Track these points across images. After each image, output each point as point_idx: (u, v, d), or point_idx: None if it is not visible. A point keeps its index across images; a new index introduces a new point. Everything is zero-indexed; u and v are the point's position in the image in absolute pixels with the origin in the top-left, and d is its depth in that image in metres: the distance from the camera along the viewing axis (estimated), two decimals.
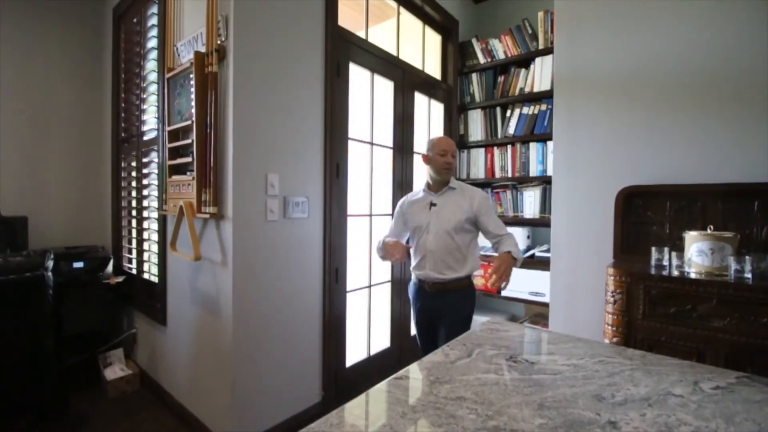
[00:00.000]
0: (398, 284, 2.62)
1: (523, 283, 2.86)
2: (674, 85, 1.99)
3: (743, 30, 1.82)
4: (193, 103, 1.70)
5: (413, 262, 1.83)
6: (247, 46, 1.67)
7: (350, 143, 2.21)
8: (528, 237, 2.95)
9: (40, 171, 2.65)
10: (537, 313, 2.89)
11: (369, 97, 2.38)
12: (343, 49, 2.15)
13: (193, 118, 1.70)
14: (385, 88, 2.51)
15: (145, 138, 2.40)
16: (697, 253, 1.67)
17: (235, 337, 1.66)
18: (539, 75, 2.80)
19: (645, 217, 2.06)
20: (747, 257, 1.57)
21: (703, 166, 1.92)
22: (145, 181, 2.40)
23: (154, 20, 2.26)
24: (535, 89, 2.81)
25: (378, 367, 2.43)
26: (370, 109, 2.39)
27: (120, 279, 2.45)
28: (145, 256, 2.40)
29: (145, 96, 2.39)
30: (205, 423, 1.83)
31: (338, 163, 2.11)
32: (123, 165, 2.67)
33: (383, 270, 2.53)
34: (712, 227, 1.72)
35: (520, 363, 0.89)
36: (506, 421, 0.65)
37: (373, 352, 2.42)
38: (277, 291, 1.82)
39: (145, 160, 2.38)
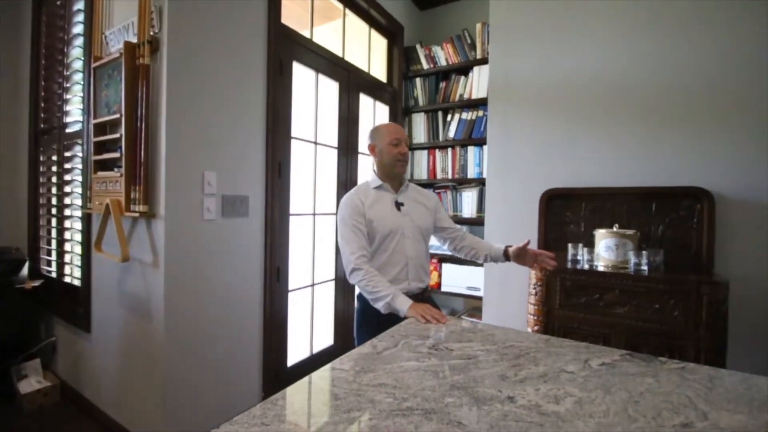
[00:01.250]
0: (342, 282, 2.65)
1: (460, 279, 3.03)
2: (590, 98, 2.22)
3: (645, 51, 2.07)
4: (123, 95, 1.61)
5: (388, 273, 1.46)
6: (182, 39, 1.62)
7: (294, 142, 2.20)
8: None
9: None
10: (474, 306, 3.06)
11: (314, 96, 2.39)
12: (287, 48, 2.14)
13: (122, 112, 1.61)
14: (330, 88, 2.53)
15: (68, 130, 2.22)
16: (604, 249, 1.88)
17: (168, 340, 1.60)
18: (477, 83, 2.97)
19: (564, 216, 2.28)
20: (644, 252, 1.80)
21: (614, 172, 2.16)
22: (67, 177, 2.22)
23: (80, 5, 2.10)
24: (473, 96, 2.97)
25: (321, 365, 2.45)
26: (315, 109, 2.40)
27: (37, 283, 2.24)
28: (67, 257, 2.22)
29: (68, 85, 2.22)
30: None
31: (280, 162, 2.11)
32: (42, 159, 2.44)
33: (327, 268, 2.56)
34: (617, 225, 1.95)
35: (441, 350, 0.97)
36: (419, 402, 0.71)
37: (315, 350, 2.44)
38: (214, 292, 1.78)
39: (67, 154, 2.21)
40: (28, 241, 2.50)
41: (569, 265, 1.96)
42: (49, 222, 2.42)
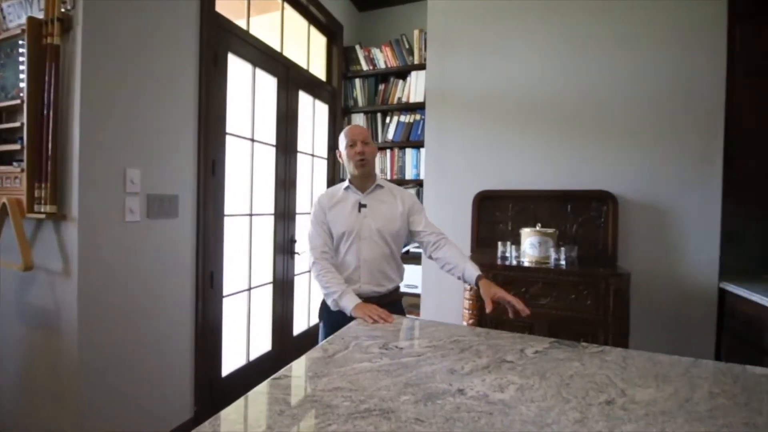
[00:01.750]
0: (280, 285, 2.57)
1: None
2: (517, 107, 2.42)
3: (563, 69, 2.31)
4: (23, 77, 1.39)
5: (341, 274, 1.48)
6: (101, 19, 1.44)
7: (229, 139, 2.08)
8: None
9: None
10: (411, 303, 3.16)
11: (250, 91, 2.28)
12: (222, 38, 2.02)
13: (25, 97, 1.39)
14: (269, 84, 2.43)
15: None
16: (529, 246, 2.07)
17: (82, 358, 1.42)
18: (414, 87, 3.07)
19: (494, 216, 2.46)
20: (562, 248, 2.01)
21: (537, 176, 2.37)
22: None
23: None
24: (411, 100, 3.06)
25: (259, 372, 2.35)
26: (252, 105, 2.29)
27: None
28: None
29: None
30: None
31: (214, 160, 1.98)
32: None
33: (265, 271, 2.46)
34: (540, 224, 2.15)
35: (391, 350, 1.00)
36: (377, 402, 0.73)
37: (252, 357, 2.34)
38: (138, 301, 1.62)
39: None
40: None
41: (499, 261, 2.12)
42: None
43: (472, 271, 1.41)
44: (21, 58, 1.43)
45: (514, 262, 2.05)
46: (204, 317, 1.93)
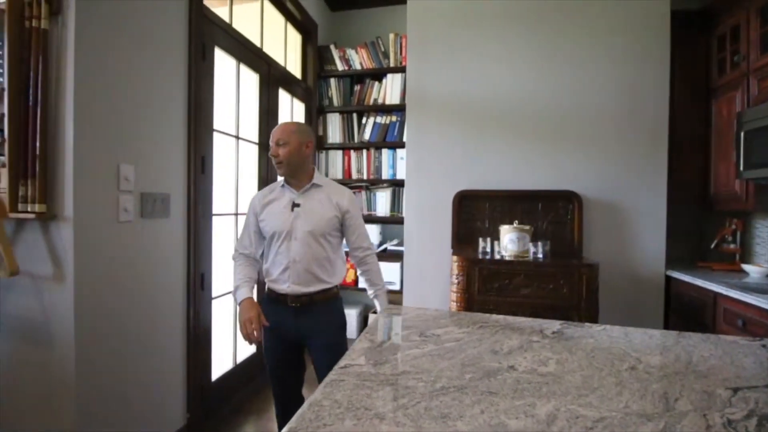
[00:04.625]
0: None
1: None
2: (493, 111, 2.59)
3: (534, 77, 2.52)
4: (6, 65, 1.26)
5: (271, 274, 1.49)
6: (93, 5, 1.35)
7: (215, 136, 2.02)
8: (380, 233, 3.28)
9: None
10: (391, 300, 3.24)
11: (234, 87, 2.22)
12: (209, 32, 1.95)
13: (5, 86, 1.26)
14: (251, 80, 2.38)
15: None
16: (509, 241, 2.24)
17: (79, 371, 1.32)
18: (390, 89, 3.15)
19: (472, 215, 2.62)
20: (539, 243, 2.21)
21: (511, 177, 2.56)
22: None
23: None
24: (387, 101, 3.14)
25: (245, 376, 2.30)
26: (236, 101, 2.23)
27: None
28: None
29: None
30: None
31: (203, 157, 1.91)
32: None
33: None
34: (517, 222, 2.33)
35: (430, 337, 1.07)
36: (447, 381, 0.80)
37: (239, 359, 2.28)
38: (132, 305, 1.53)
39: None
40: None
41: (480, 256, 2.27)
42: None
43: (375, 303, 1.60)
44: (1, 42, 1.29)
45: (498, 257, 2.21)
46: (195, 321, 1.85)
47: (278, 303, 1.48)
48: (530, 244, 2.22)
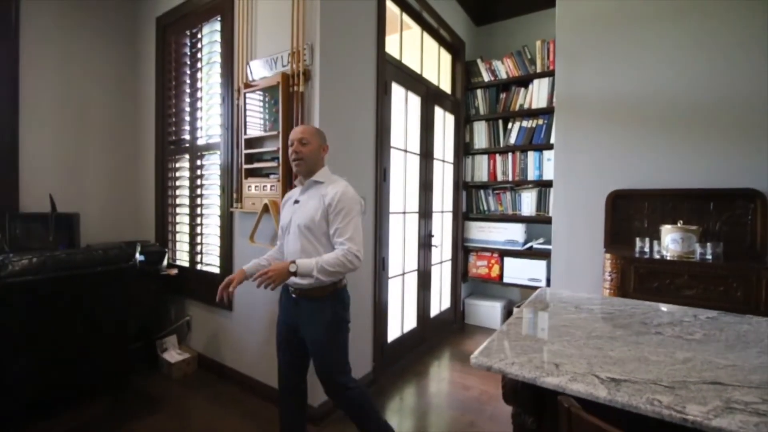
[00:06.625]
0: (423, 273, 3.02)
1: (521, 271, 3.37)
2: (649, 110, 2.53)
3: (699, 70, 2.38)
4: (280, 116, 2.00)
5: None
6: (328, 70, 2.01)
7: (392, 151, 2.58)
8: (525, 232, 3.45)
9: (83, 172, 2.82)
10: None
11: (403, 109, 2.76)
12: (388, 71, 2.52)
13: (280, 129, 2.01)
14: (414, 102, 2.90)
15: (200, 143, 2.64)
16: (671, 241, 2.20)
17: None
18: (537, 94, 3.30)
19: (628, 214, 2.60)
20: (708, 244, 2.12)
21: (673, 175, 2.47)
22: (199, 182, 2.63)
23: (216, 36, 2.51)
24: (533, 106, 3.30)
25: (409, 342, 2.83)
26: (405, 121, 2.77)
27: (175, 271, 2.67)
28: (201, 248, 2.64)
29: (201, 105, 2.63)
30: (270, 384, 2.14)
31: (385, 168, 2.48)
32: (169, 167, 2.87)
33: (411, 260, 2.92)
34: (681, 221, 2.26)
35: (584, 310, 1.32)
36: (600, 333, 1.07)
37: (405, 330, 2.81)
38: (356, 278, 2.17)
39: (202, 162, 2.62)
40: (156, 236, 2.94)
41: (637, 255, 2.28)
42: (175, 219, 2.84)
43: (299, 264, 1.43)
44: (272, 101, 2.04)
45: (657, 256, 2.20)
46: (379, 293, 2.43)
47: (286, 289, 1.61)
48: (697, 245, 2.14)
